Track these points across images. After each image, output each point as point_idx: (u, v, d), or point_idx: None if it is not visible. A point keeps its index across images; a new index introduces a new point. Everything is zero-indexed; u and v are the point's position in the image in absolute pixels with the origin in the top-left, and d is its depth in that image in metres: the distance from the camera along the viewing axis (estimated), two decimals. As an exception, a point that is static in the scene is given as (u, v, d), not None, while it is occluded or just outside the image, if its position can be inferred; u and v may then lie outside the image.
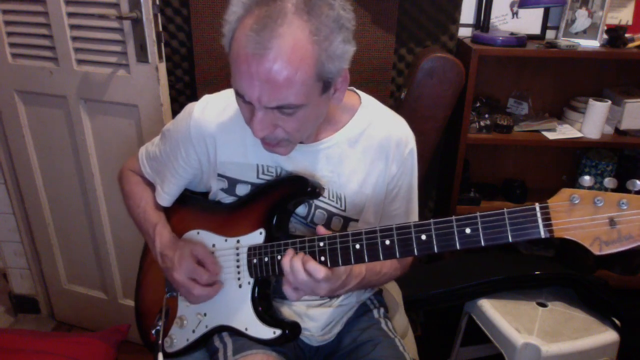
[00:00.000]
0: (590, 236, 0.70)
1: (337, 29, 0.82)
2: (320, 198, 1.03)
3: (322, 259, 0.89)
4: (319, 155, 1.02)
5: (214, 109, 1.04)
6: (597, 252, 0.70)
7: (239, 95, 0.86)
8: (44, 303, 2.18)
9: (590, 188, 0.72)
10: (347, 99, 0.99)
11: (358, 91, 1.08)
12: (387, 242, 0.84)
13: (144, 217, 1.14)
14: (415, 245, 0.82)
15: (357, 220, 1.06)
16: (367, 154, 1.03)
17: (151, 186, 1.18)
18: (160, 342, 1.05)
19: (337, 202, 1.04)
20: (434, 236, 0.80)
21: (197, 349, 1.10)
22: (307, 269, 0.87)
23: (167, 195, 1.13)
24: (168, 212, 1.16)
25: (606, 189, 0.71)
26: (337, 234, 0.89)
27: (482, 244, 0.77)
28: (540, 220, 0.73)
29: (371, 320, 1.16)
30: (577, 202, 0.71)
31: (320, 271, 0.86)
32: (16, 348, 1.40)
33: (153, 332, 1.07)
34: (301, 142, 0.99)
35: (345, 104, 1.01)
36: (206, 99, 1.06)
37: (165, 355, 1.08)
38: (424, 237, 0.81)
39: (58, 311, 2.18)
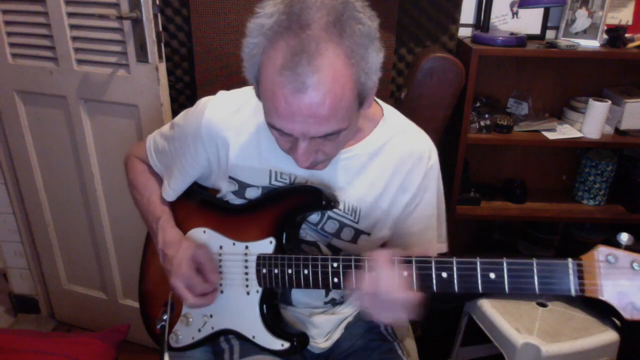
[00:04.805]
0: (624, 300, 0.69)
1: (369, 43, 0.77)
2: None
3: (335, 280, 0.87)
4: (337, 166, 0.98)
5: (228, 108, 1.00)
6: (627, 317, 0.69)
7: (275, 129, 0.81)
8: (44, 303, 2.18)
9: (627, 247, 0.71)
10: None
11: (379, 101, 1.04)
12: (405, 273, 0.81)
13: (147, 208, 1.12)
14: (434, 282, 0.80)
15: (368, 234, 1.03)
16: (387, 167, 1.00)
17: (156, 175, 1.15)
18: (165, 339, 1.04)
19: (351, 214, 1.01)
20: (455, 276, 0.78)
21: (202, 345, 1.08)
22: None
23: (172, 191, 1.10)
24: (174, 205, 1.13)
25: (619, 245, 0.70)
26: (352, 257, 0.86)
27: (507, 291, 0.75)
28: (572, 277, 0.72)
29: (370, 325, 1.15)
30: (613, 262, 0.70)
31: None
32: (16, 348, 1.40)
33: (158, 327, 1.06)
34: None
35: (367, 113, 0.97)
36: (221, 96, 1.03)
37: (170, 349, 1.07)
38: (444, 274, 0.79)
39: (58, 311, 2.18)
